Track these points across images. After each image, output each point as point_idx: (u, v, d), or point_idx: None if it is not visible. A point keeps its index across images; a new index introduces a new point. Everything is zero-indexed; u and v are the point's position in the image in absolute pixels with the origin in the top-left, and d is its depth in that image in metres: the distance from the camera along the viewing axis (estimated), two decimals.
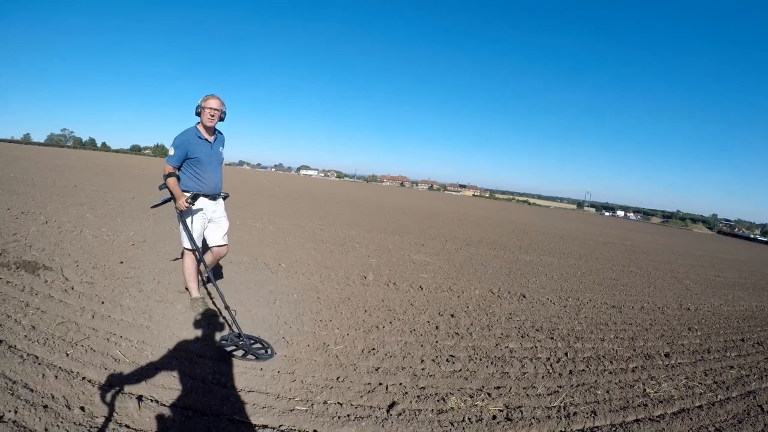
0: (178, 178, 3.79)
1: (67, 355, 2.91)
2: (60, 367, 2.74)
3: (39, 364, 2.74)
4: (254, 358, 3.11)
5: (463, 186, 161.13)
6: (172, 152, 3.73)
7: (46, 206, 8.93)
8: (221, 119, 3.85)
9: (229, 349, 3.20)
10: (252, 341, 3.37)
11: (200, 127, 3.82)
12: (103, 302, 3.89)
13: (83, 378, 2.66)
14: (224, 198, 4.20)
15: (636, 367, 3.94)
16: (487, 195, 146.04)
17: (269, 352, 3.22)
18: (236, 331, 3.40)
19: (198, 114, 3.77)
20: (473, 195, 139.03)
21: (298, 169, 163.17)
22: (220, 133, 4.04)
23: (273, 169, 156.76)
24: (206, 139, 3.83)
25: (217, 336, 3.49)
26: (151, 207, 4.12)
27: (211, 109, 3.72)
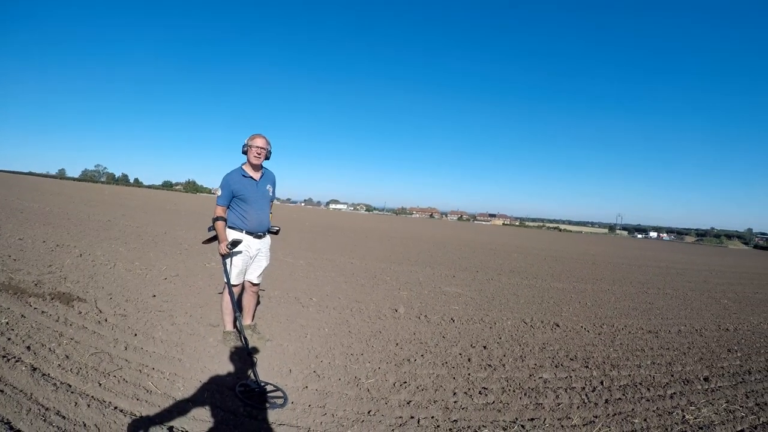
0: (226, 221, 3.88)
1: (100, 384, 2.94)
2: (92, 396, 2.77)
3: (72, 392, 2.78)
4: (268, 405, 2.96)
5: (492, 215, 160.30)
6: (219, 192, 3.84)
7: (81, 240, 9.28)
8: (267, 158, 3.93)
9: (243, 395, 3.05)
10: (271, 389, 3.21)
11: (246, 167, 3.91)
12: (135, 334, 3.95)
13: (115, 408, 2.68)
14: (275, 233, 4.22)
15: (674, 393, 3.78)
16: (517, 223, 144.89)
17: (284, 402, 3.05)
18: (254, 378, 3.27)
19: (244, 152, 3.87)
20: (503, 224, 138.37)
21: (328, 204, 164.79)
22: (268, 171, 4.11)
23: (302, 204, 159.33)
24: (251, 177, 3.90)
25: (237, 381, 3.32)
26: (203, 242, 4.19)
27: (257, 147, 3.81)
